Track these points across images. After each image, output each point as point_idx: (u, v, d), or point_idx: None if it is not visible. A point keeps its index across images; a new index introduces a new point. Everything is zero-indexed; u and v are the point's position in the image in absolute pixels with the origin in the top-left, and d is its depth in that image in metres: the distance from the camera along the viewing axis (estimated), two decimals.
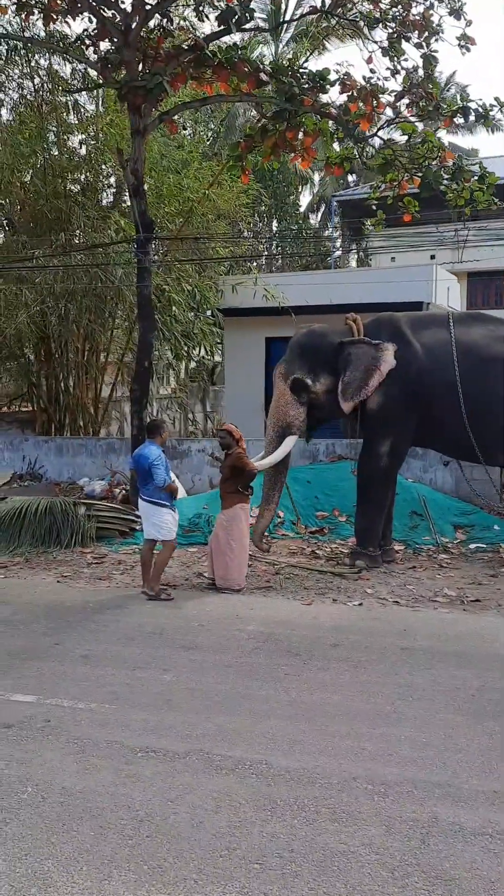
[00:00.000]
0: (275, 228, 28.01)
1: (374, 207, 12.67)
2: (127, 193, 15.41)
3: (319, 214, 35.25)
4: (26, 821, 3.79)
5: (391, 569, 8.80)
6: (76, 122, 14.89)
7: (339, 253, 29.36)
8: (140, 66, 10.57)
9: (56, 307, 13.46)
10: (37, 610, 7.29)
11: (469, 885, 3.29)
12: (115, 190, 14.85)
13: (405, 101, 10.74)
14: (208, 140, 21.84)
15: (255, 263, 17.05)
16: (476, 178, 11.48)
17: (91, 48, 11.27)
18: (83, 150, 15.21)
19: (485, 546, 9.76)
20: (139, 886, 3.30)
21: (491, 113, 10.31)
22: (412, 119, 11.09)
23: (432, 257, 21.55)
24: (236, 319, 15.88)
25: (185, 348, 14.41)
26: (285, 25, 13.04)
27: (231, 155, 12.27)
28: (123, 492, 11.55)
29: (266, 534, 9.13)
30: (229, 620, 6.86)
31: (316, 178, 33.76)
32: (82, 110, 14.91)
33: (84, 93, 14.04)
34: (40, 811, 3.87)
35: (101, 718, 4.91)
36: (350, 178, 35.40)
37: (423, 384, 8.59)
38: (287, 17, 12.45)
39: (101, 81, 10.75)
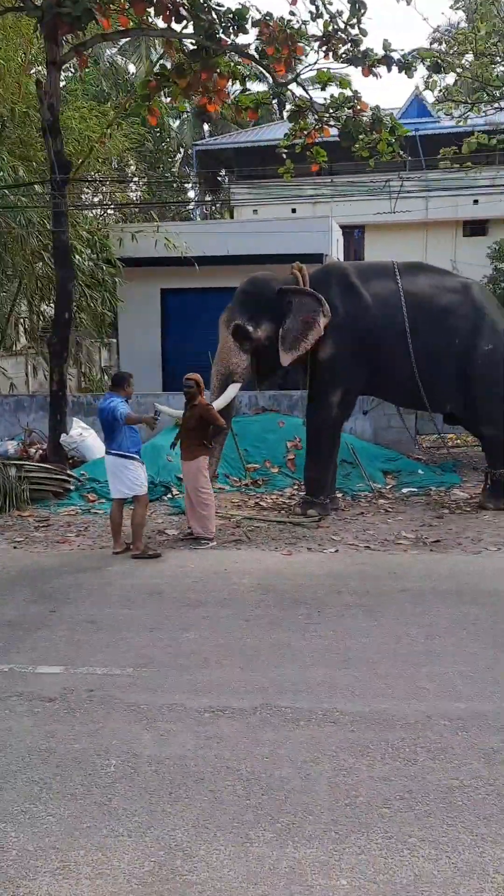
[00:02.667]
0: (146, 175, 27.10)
1: (283, 155, 12.56)
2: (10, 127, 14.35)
3: (177, 163, 34.49)
4: (129, 794, 3.60)
5: (340, 516, 8.98)
6: None
7: (197, 203, 29.06)
8: None
9: None
10: (9, 578, 6.82)
11: None
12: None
13: (325, 47, 10.62)
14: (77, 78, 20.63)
15: (156, 212, 16.41)
16: (388, 129, 11.65)
17: None
18: None
19: (416, 490, 10.16)
20: (283, 845, 3.24)
21: (413, 65, 10.41)
22: (331, 66, 11.00)
23: (293, 211, 21.83)
24: (132, 270, 15.29)
25: (88, 299, 13.73)
26: None
27: (140, 94, 11.67)
28: (40, 451, 10.95)
29: None
30: (220, 575, 6.74)
31: (174, 124, 32.92)
32: None
33: None
34: (139, 783, 3.68)
35: (146, 683, 4.71)
36: (205, 127, 34.87)
37: (373, 334, 8.69)
38: None
39: (18, 4, 9.77)
